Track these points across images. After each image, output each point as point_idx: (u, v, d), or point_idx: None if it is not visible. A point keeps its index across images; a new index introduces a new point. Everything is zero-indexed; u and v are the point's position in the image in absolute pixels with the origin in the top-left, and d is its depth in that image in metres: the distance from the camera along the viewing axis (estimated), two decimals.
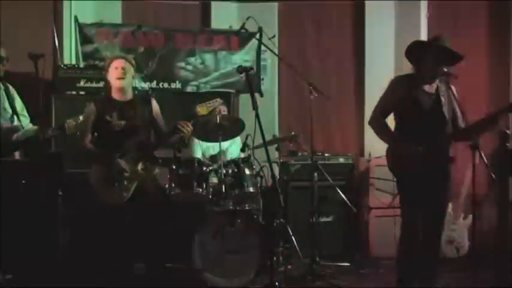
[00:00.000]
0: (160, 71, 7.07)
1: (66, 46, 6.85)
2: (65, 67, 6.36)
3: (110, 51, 6.79)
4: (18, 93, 5.39)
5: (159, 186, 5.46)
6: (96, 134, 5.30)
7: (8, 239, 5.21)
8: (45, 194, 4.68)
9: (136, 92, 5.51)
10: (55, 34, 6.67)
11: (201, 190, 5.55)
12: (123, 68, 5.30)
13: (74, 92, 6.32)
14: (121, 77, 5.28)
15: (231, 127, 5.73)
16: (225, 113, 6.22)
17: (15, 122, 5.08)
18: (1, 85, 5.08)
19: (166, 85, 7.09)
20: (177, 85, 7.13)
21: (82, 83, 6.33)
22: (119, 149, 5.16)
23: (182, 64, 7.16)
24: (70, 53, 6.86)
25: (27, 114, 5.26)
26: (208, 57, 7.23)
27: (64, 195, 4.81)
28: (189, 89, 7.17)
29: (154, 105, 5.41)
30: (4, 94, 5.08)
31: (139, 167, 5.16)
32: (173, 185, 5.55)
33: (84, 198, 5.59)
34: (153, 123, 5.37)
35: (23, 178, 5.62)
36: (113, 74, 5.32)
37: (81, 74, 6.35)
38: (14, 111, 5.08)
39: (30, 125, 5.23)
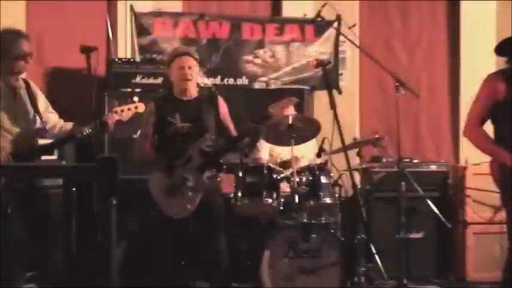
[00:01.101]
0: (225, 65, 7.09)
1: (120, 38, 6.95)
2: (119, 61, 6.45)
3: (169, 43, 6.86)
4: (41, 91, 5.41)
5: (223, 197, 5.47)
6: (156, 137, 5.33)
7: (56, 252, 5.32)
8: (98, 203, 4.74)
9: (199, 89, 5.49)
10: (109, 25, 6.78)
11: (271, 200, 5.53)
12: (189, 68, 5.29)
13: (129, 89, 6.39)
14: (187, 79, 5.29)
15: (306, 129, 5.69)
16: (293, 112, 6.20)
17: (38, 124, 5.13)
18: (22, 83, 5.13)
19: (231, 81, 7.11)
20: (243, 81, 7.14)
21: (138, 79, 6.41)
22: (182, 155, 5.18)
23: (250, 57, 7.16)
24: (125, 46, 6.95)
25: (53, 111, 5.29)
26: (279, 50, 7.22)
27: (119, 205, 4.85)
28: (257, 85, 7.18)
29: (222, 104, 5.40)
30: (26, 93, 5.11)
31: (205, 175, 5.17)
32: (239, 194, 5.56)
33: (142, 209, 5.65)
34: (220, 126, 5.36)
35: (73, 185, 5.76)
36: (177, 74, 5.31)
37: (137, 69, 6.43)
38: (37, 112, 5.11)
39: (61, 122, 5.26)
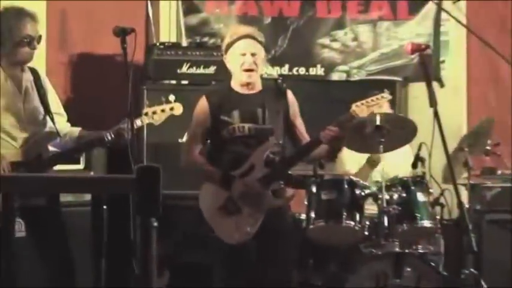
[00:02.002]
0: (294, 51, 7.14)
1: (163, 18, 7.03)
2: (161, 46, 6.51)
3: (224, 23, 6.91)
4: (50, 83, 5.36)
5: (293, 218, 5.47)
6: (208, 141, 5.35)
7: (83, 286, 5.39)
8: (134, 225, 4.78)
9: (262, 81, 5.47)
10: (149, 3, 6.85)
11: (353, 223, 5.49)
12: (253, 54, 5.24)
13: (173, 81, 6.49)
14: (251, 69, 5.27)
15: (398, 132, 5.65)
16: (388, 110, 6.16)
17: (48, 126, 5.11)
18: (29, 75, 5.12)
19: (302, 71, 7.14)
20: (318, 71, 7.16)
21: (185, 68, 6.46)
22: (241, 163, 5.19)
23: (326, 41, 7.19)
24: (169, 27, 7.04)
25: (63, 112, 5.30)
26: (364, 31, 7.23)
27: (161, 226, 4.90)
28: (335, 76, 7.19)
29: (292, 100, 5.38)
30: (34, 87, 5.11)
31: (271, 189, 5.17)
32: (313, 215, 5.54)
33: (190, 232, 5.67)
34: (289, 127, 5.35)
35: (103, 202, 5.81)
36: (237, 63, 5.26)
37: (183, 56, 6.48)
38: (47, 110, 5.10)
39: (68, 126, 5.25)
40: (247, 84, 5.30)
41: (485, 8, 7.51)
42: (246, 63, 5.23)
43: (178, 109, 5.23)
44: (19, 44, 4.97)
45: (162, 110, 5.20)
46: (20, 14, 5.00)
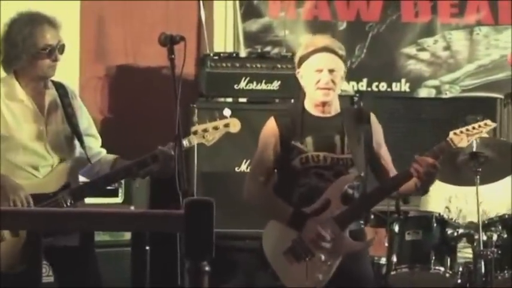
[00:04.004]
0: (374, 62, 7.19)
1: (218, 23, 7.12)
2: (215, 57, 6.58)
3: (290, 29, 6.95)
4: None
5: (371, 262, 5.48)
6: (276, 172, 5.32)
7: None
8: (182, 269, 4.85)
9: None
10: (201, 5, 6.94)
11: (443, 269, 5.52)
12: (331, 71, 5.16)
13: (229, 99, 6.59)
14: (328, 88, 5.24)
15: (498, 160, 5.66)
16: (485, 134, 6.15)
17: (77, 150, 5.04)
18: (54, 92, 5.05)
19: (383, 86, 7.18)
20: (402, 86, 7.18)
21: (243, 84, 6.53)
22: (315, 198, 5.16)
23: (412, 50, 7.22)
24: (225, 35, 7.13)
25: (97, 134, 5.22)
26: (458, 38, 7.22)
27: (214, 272, 4.96)
28: (423, 92, 7.21)
29: (376, 127, 5.30)
30: (59, 105, 5.05)
31: (348, 231, 5.18)
32: (394, 259, 5.58)
33: (249, 279, 5.70)
34: (372, 158, 5.30)
35: (146, 242, 5.89)
36: (312, 79, 5.18)
37: (241, 69, 6.55)
38: (76, 133, 5.04)
39: (103, 152, 5.18)
40: (323, 105, 5.26)
41: None
42: (322, 81, 5.15)
43: (235, 126, 5.12)
44: (37, 56, 4.90)
45: (215, 127, 5.06)
46: (36, 20, 4.93)
